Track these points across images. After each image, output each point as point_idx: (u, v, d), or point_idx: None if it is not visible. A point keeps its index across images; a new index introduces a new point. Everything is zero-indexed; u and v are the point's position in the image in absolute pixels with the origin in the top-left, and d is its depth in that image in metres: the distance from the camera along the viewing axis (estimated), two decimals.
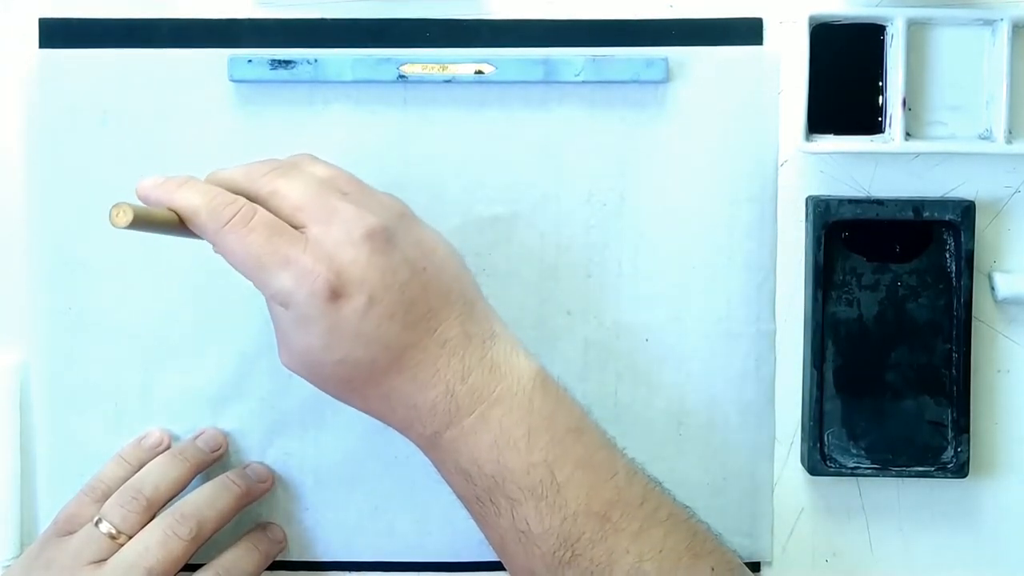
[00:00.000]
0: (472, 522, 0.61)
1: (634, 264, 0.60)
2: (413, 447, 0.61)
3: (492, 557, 0.61)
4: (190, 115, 0.60)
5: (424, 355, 0.49)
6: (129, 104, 0.60)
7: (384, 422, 0.52)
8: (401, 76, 0.59)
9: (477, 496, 0.50)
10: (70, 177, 0.60)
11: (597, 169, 0.60)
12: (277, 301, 0.48)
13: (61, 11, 0.60)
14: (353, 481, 0.61)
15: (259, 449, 0.61)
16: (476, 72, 0.59)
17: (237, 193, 0.49)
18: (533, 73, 0.59)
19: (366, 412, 0.52)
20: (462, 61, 0.59)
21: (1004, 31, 0.58)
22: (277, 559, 0.60)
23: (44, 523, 0.60)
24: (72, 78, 0.60)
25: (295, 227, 0.48)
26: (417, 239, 0.50)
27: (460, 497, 0.52)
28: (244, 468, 0.60)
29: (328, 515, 0.61)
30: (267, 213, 0.48)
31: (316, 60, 0.59)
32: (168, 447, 0.60)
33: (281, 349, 0.50)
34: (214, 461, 0.60)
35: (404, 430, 0.51)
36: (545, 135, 0.60)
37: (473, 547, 0.61)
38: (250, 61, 0.59)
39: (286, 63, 0.59)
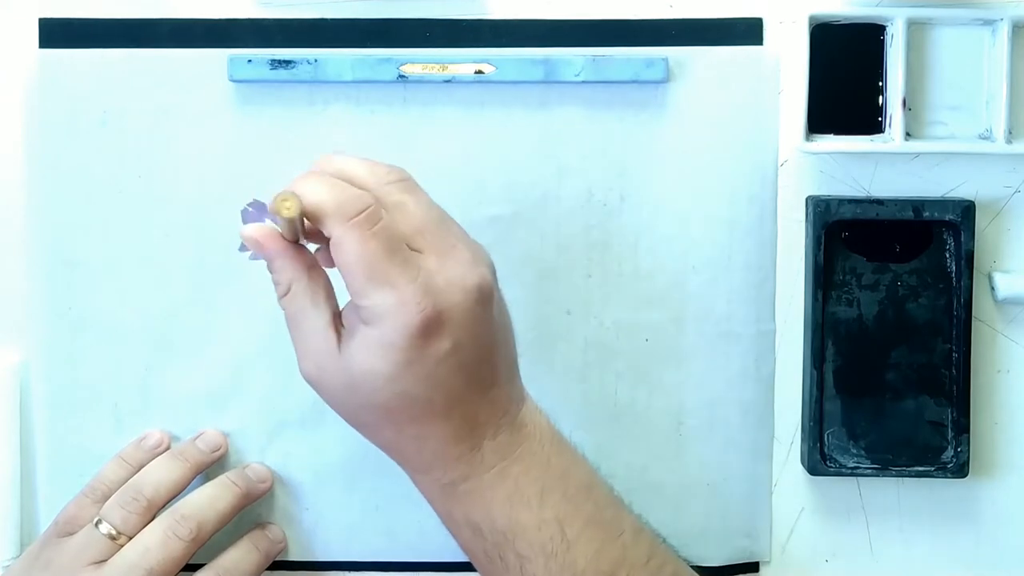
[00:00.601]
0: None
1: (634, 264, 0.60)
2: None
3: None
4: (190, 115, 0.60)
5: (471, 409, 0.49)
6: (129, 104, 0.60)
7: (400, 460, 0.51)
8: (401, 76, 0.59)
9: (485, 551, 0.50)
10: (70, 177, 0.60)
11: (597, 169, 0.60)
12: (365, 315, 0.46)
13: (61, 11, 0.60)
14: (353, 481, 0.61)
15: (259, 449, 0.61)
16: (476, 72, 0.59)
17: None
18: (533, 73, 0.59)
19: (386, 446, 0.51)
20: (462, 61, 0.59)
21: (1004, 31, 0.58)
22: (277, 559, 0.60)
23: (44, 523, 0.60)
24: (72, 78, 0.60)
25: (410, 248, 0.47)
26: (500, 298, 0.51)
27: (467, 551, 0.52)
28: (244, 468, 0.60)
29: (328, 515, 0.61)
30: (391, 223, 0.46)
31: (316, 60, 0.59)
32: (168, 448, 0.60)
33: (311, 362, 0.49)
34: (214, 462, 0.60)
35: (420, 473, 0.51)
36: (545, 135, 0.60)
37: None
38: (250, 61, 0.59)
39: (286, 63, 0.59)
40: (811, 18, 0.58)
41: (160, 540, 0.54)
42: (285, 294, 0.49)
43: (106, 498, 0.56)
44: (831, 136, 0.59)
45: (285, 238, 0.49)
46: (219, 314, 0.60)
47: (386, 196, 0.48)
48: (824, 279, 0.59)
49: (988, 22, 0.59)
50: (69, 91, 0.60)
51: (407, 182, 0.49)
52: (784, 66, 0.60)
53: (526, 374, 0.58)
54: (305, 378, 0.49)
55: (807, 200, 0.60)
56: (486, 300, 0.48)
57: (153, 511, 0.56)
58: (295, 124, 0.60)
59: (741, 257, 0.60)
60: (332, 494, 0.61)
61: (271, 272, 0.50)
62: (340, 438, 0.61)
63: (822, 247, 0.59)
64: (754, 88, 0.60)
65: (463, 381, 0.48)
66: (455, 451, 0.49)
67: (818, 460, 0.59)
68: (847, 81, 0.60)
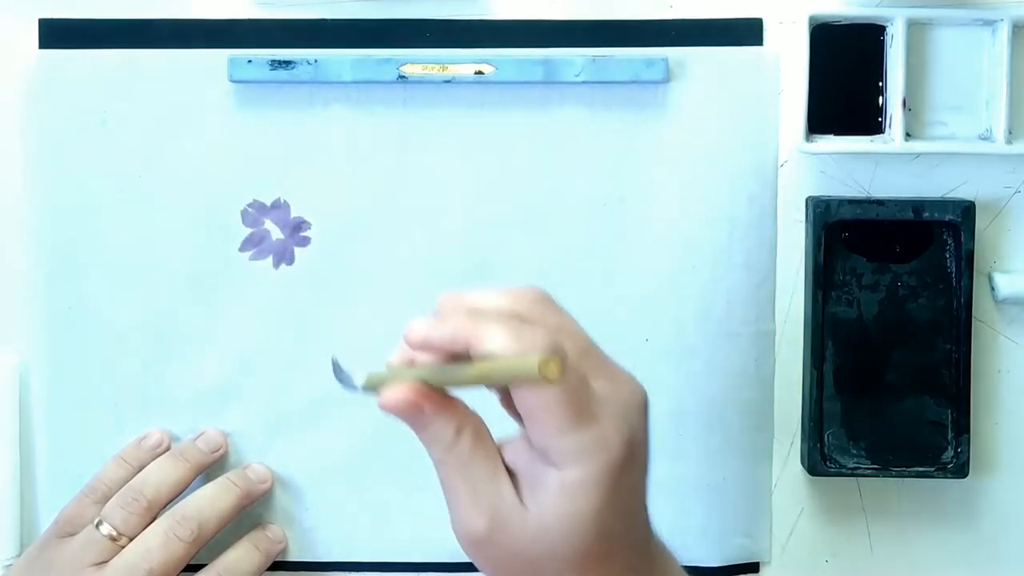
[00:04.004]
0: None
1: (634, 264, 0.60)
2: (413, 447, 0.61)
3: None
4: (190, 115, 0.60)
5: (644, 534, 0.46)
6: (129, 104, 0.60)
7: None
8: (401, 76, 0.59)
9: None
10: (70, 177, 0.60)
11: (597, 169, 0.60)
12: (559, 457, 0.41)
13: (61, 11, 0.60)
14: (353, 481, 0.61)
15: (259, 449, 0.61)
16: (476, 72, 0.59)
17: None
18: (533, 73, 0.59)
19: None
20: (462, 61, 0.59)
21: (1004, 31, 0.58)
22: (277, 559, 0.60)
23: (44, 523, 0.60)
24: (72, 78, 0.60)
25: None
26: None
27: None
28: (244, 469, 0.60)
29: (328, 515, 0.61)
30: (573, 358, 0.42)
31: (316, 60, 0.59)
32: (168, 448, 0.60)
33: (482, 517, 0.43)
34: (214, 462, 0.60)
35: None
36: (545, 135, 0.60)
37: None
38: (250, 61, 0.59)
39: (286, 63, 0.59)
40: (811, 18, 0.58)
41: (161, 541, 0.54)
42: (452, 444, 0.43)
43: (106, 498, 0.56)
44: (831, 136, 0.59)
45: (435, 390, 0.43)
46: (219, 314, 0.60)
47: (545, 319, 0.43)
48: (824, 279, 0.59)
49: (988, 22, 0.59)
50: (69, 91, 0.60)
51: (550, 299, 0.44)
52: (784, 66, 0.60)
53: None
54: (466, 536, 0.44)
55: (807, 200, 0.60)
56: (647, 414, 0.44)
57: (154, 512, 0.56)
58: (295, 124, 0.60)
59: (741, 257, 0.60)
60: (332, 494, 0.61)
61: (425, 430, 0.44)
62: (340, 438, 0.61)
63: (822, 247, 0.59)
64: (754, 88, 0.60)
65: (644, 504, 0.45)
66: None
67: (818, 460, 0.59)
68: (847, 81, 0.60)
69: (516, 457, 0.44)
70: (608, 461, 0.42)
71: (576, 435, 0.41)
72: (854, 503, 0.61)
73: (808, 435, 0.60)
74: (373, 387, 0.45)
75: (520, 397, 0.41)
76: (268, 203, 0.60)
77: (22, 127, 0.60)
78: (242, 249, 0.60)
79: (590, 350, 0.44)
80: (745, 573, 0.61)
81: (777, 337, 0.61)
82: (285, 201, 0.60)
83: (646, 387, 0.61)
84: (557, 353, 0.40)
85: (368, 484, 0.61)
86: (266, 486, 0.60)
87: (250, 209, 0.60)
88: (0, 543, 0.60)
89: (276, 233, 0.60)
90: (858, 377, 0.60)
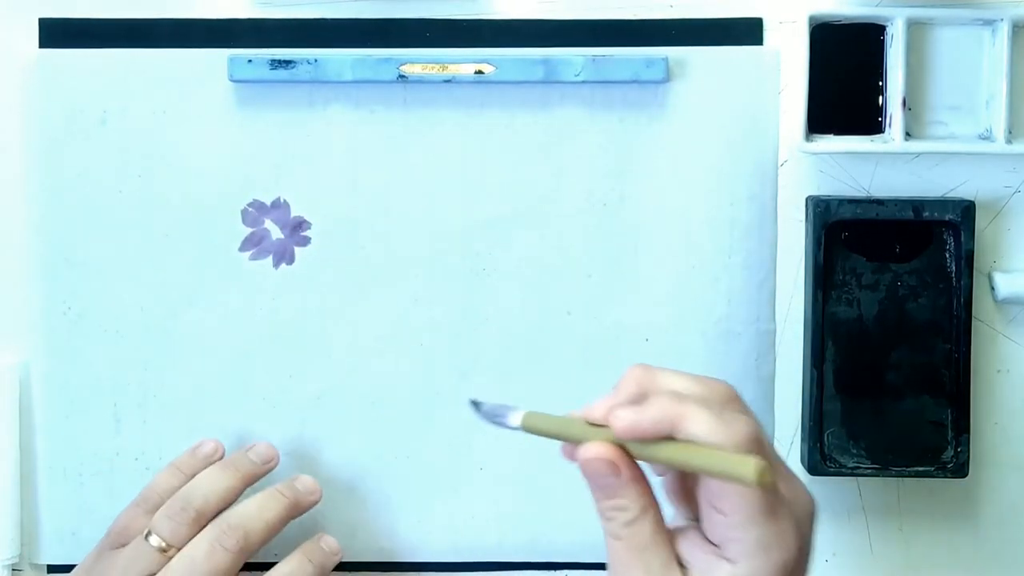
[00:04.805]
0: (472, 521, 0.61)
1: (634, 264, 0.60)
2: (413, 447, 0.61)
3: (491, 558, 0.61)
4: (190, 115, 0.60)
5: None
6: (129, 104, 0.60)
7: None
8: (401, 76, 0.59)
9: None
10: (70, 177, 0.60)
11: (597, 169, 0.60)
12: (735, 551, 0.42)
13: (61, 11, 0.60)
14: (353, 481, 0.61)
15: None
16: (476, 72, 0.59)
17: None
18: (533, 73, 0.59)
19: None
20: (462, 61, 0.59)
21: (1004, 31, 0.58)
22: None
23: (44, 523, 0.60)
24: (72, 78, 0.60)
25: None
26: None
27: None
28: (292, 480, 0.58)
29: (328, 515, 0.61)
30: None
31: (316, 60, 0.59)
32: (222, 457, 0.58)
33: None
34: (264, 473, 0.58)
35: None
36: (545, 135, 0.60)
37: (473, 548, 0.61)
38: (250, 61, 0.59)
39: (286, 63, 0.59)
40: (811, 18, 0.58)
41: (206, 551, 0.53)
42: (634, 522, 0.44)
43: (157, 508, 0.55)
44: (831, 136, 0.59)
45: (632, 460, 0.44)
46: (219, 314, 0.60)
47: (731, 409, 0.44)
48: (824, 279, 0.59)
49: (988, 22, 0.59)
50: (69, 91, 0.60)
51: (740, 397, 0.46)
52: (784, 66, 0.60)
53: (526, 374, 0.58)
54: None
55: (807, 200, 0.60)
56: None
57: (202, 522, 0.54)
58: (295, 124, 0.60)
59: (741, 257, 0.60)
60: (332, 494, 0.61)
61: (611, 497, 0.44)
62: (340, 438, 0.61)
63: (822, 247, 0.59)
64: (754, 88, 0.60)
65: None
66: None
67: (818, 460, 0.59)
68: (847, 81, 0.60)
69: (687, 548, 0.44)
70: (783, 560, 0.42)
71: (761, 528, 0.42)
72: (854, 503, 0.61)
73: (808, 435, 0.60)
74: (532, 428, 0.46)
75: (717, 487, 0.42)
76: (268, 203, 0.60)
77: (22, 127, 0.60)
78: (242, 249, 0.60)
79: (774, 450, 0.44)
80: None
81: (777, 337, 0.61)
82: (285, 201, 0.60)
83: None
84: (759, 446, 0.42)
85: (368, 484, 0.61)
86: (314, 498, 0.58)
87: (250, 209, 0.60)
88: (0, 543, 0.60)
89: (276, 233, 0.60)
90: (858, 377, 0.60)
